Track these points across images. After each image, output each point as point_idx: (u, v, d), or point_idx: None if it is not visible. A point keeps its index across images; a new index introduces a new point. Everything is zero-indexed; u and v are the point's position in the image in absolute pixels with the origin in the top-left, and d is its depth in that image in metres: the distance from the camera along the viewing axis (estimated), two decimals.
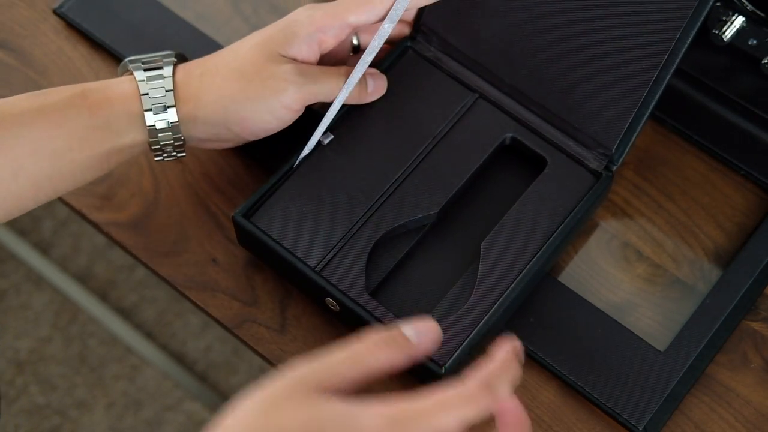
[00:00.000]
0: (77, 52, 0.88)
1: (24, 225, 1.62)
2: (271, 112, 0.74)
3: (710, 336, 0.76)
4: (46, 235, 1.62)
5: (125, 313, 1.57)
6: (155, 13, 0.89)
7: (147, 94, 0.73)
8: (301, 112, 0.76)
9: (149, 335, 1.56)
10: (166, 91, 0.74)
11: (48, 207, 1.62)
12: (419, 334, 0.58)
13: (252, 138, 0.76)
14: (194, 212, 0.82)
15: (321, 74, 0.75)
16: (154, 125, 0.73)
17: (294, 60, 0.75)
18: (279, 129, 0.76)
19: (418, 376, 0.74)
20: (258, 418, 0.53)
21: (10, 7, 0.90)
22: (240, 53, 0.75)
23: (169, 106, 0.73)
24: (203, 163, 0.84)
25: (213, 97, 0.74)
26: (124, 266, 1.60)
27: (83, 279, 1.60)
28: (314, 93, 0.75)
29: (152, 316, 1.57)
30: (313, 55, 0.76)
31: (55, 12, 0.90)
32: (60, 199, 0.83)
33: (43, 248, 1.61)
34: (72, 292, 1.58)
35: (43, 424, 1.50)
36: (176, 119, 0.74)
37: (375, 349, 0.57)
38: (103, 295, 1.58)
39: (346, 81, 0.76)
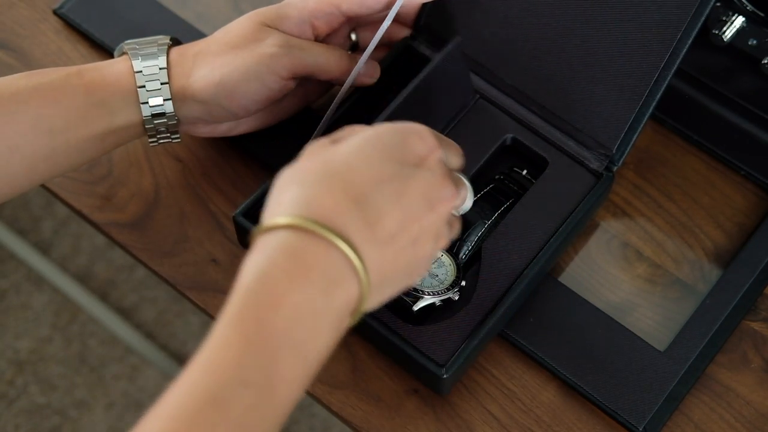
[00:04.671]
0: (77, 52, 0.88)
1: (24, 225, 1.62)
2: (259, 78, 0.74)
3: (710, 336, 0.76)
4: (46, 235, 1.62)
5: (125, 313, 1.57)
6: (155, 13, 0.89)
7: (141, 71, 0.74)
8: (290, 84, 0.76)
9: (149, 335, 1.56)
10: (160, 68, 0.74)
11: (48, 207, 1.62)
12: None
13: (243, 113, 0.76)
14: (194, 212, 0.82)
15: (309, 44, 0.76)
16: (147, 102, 0.74)
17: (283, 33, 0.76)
18: (269, 101, 0.76)
19: (418, 376, 0.74)
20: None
21: (10, 7, 0.90)
22: (231, 29, 0.76)
23: (163, 83, 0.74)
24: (203, 163, 0.84)
25: (204, 71, 0.74)
26: (124, 266, 1.60)
27: (83, 279, 1.60)
28: (302, 59, 0.75)
29: (152, 316, 1.57)
30: (305, 37, 0.77)
31: (55, 12, 0.90)
32: (60, 199, 0.83)
33: (43, 248, 1.61)
34: (72, 292, 1.58)
35: (43, 424, 1.50)
36: (169, 95, 0.74)
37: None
38: (103, 295, 1.58)
39: (335, 55, 0.76)
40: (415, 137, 0.63)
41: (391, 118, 0.74)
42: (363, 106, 0.80)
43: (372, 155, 0.61)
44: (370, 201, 0.59)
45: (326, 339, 0.58)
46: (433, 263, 0.75)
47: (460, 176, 0.68)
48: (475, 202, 0.77)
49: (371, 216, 0.59)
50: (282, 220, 0.58)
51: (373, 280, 0.59)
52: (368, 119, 0.81)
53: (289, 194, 0.59)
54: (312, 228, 0.57)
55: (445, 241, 0.65)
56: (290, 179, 0.61)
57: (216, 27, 0.89)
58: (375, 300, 0.61)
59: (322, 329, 0.57)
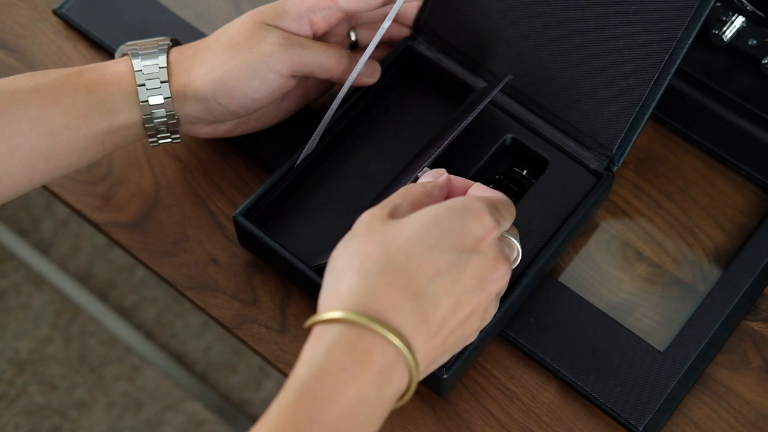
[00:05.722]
0: (77, 52, 0.88)
1: (24, 225, 1.62)
2: (258, 76, 0.74)
3: (710, 336, 0.76)
4: (46, 235, 1.62)
5: (125, 313, 1.57)
6: (155, 13, 0.89)
7: (141, 70, 0.74)
8: (289, 83, 0.76)
9: (149, 335, 1.56)
10: (160, 67, 0.75)
11: (48, 207, 1.62)
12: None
13: (242, 112, 0.76)
14: (194, 212, 0.82)
15: (309, 42, 0.76)
16: (147, 101, 0.74)
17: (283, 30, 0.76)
18: (268, 100, 0.76)
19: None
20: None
21: (10, 7, 0.90)
22: (231, 28, 0.76)
23: (162, 81, 0.74)
24: (203, 163, 0.84)
25: (204, 70, 0.74)
26: (124, 266, 1.60)
27: (83, 279, 1.60)
28: (302, 57, 0.75)
29: (152, 316, 1.57)
30: (303, 33, 0.77)
31: (55, 12, 0.90)
32: (60, 199, 0.83)
33: (43, 248, 1.61)
34: (72, 292, 1.58)
35: (43, 424, 1.50)
36: (169, 94, 0.74)
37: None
38: (103, 295, 1.58)
39: (334, 53, 0.76)
40: (474, 221, 0.63)
41: (443, 152, 0.73)
42: (363, 106, 0.80)
43: (431, 245, 0.61)
44: (426, 295, 0.60)
45: (374, 429, 0.59)
46: None
47: (511, 238, 0.68)
48: None
49: (427, 310, 0.60)
50: (340, 314, 0.59)
51: (422, 366, 0.61)
52: (368, 119, 0.81)
53: (347, 283, 0.60)
54: (370, 326, 0.58)
55: (493, 313, 0.66)
56: (349, 264, 0.61)
57: (216, 27, 0.89)
58: (421, 378, 0.62)
59: (372, 421, 0.59)
